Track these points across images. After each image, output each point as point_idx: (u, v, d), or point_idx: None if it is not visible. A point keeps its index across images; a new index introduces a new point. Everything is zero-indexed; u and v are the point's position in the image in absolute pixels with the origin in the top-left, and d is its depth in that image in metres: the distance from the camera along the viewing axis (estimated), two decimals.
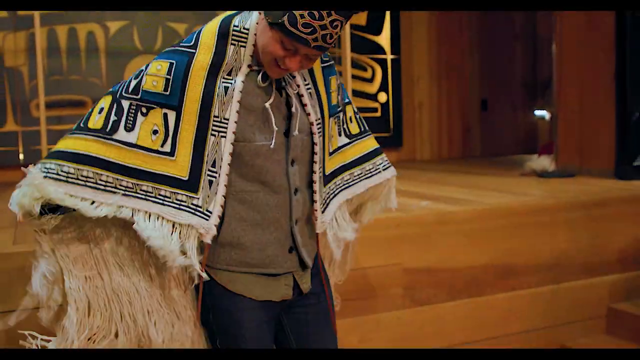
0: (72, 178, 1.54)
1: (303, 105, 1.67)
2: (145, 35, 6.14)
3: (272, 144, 1.59)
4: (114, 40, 6.04)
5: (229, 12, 1.64)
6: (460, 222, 3.25)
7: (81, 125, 1.61)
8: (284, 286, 1.72)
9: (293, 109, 1.64)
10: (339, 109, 1.83)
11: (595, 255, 3.57)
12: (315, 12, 1.43)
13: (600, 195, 3.79)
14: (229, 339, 1.73)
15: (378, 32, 6.99)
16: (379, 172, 1.97)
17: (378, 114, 7.01)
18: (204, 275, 1.63)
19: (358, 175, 1.91)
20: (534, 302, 3.37)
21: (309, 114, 1.67)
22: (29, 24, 5.73)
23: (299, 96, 1.67)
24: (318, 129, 1.69)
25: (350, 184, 1.89)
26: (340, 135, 1.86)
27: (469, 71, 7.49)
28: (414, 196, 3.83)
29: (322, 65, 1.77)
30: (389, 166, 2.01)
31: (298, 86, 1.67)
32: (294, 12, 1.43)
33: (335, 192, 1.83)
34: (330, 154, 1.81)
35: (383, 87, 7.05)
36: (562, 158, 5.16)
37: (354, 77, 6.72)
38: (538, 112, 7.86)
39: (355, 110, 1.96)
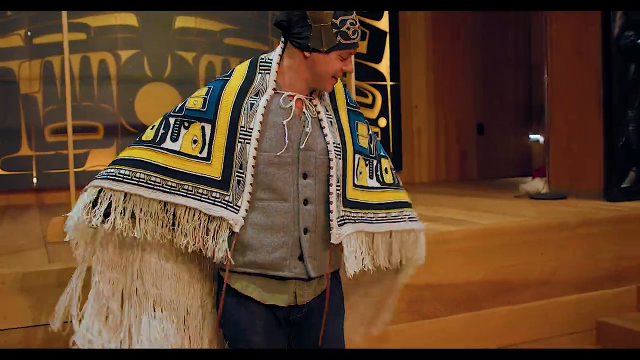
0: (127, 178, 1.87)
1: (322, 128, 1.93)
2: (155, 63, 6.38)
3: (281, 153, 1.86)
4: (125, 68, 6.27)
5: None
6: (457, 241, 3.46)
7: (137, 139, 1.96)
8: (292, 292, 1.93)
9: (307, 129, 1.90)
10: (371, 155, 2.06)
11: (584, 272, 3.79)
12: (352, 17, 1.83)
13: (589, 216, 4.01)
14: (239, 345, 1.95)
15: (379, 59, 7.25)
16: (404, 221, 2.13)
17: (378, 138, 7.22)
18: (231, 261, 1.87)
19: (382, 217, 2.07)
20: (527, 316, 3.57)
21: (326, 135, 1.93)
22: (44, 52, 5.98)
23: (319, 120, 1.94)
24: (337, 152, 1.93)
25: (373, 221, 2.05)
26: (371, 178, 2.07)
27: (466, 96, 7.73)
28: None
29: (348, 107, 2.04)
30: (417, 220, 2.18)
31: (318, 112, 1.94)
32: (340, 28, 1.81)
33: (356, 220, 2.00)
34: (356, 185, 2.01)
35: (383, 113, 7.28)
36: (553, 181, 5.38)
37: None
38: (533, 136, 8.11)
39: (392, 166, 2.17)
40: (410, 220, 2.15)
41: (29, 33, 5.96)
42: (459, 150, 7.76)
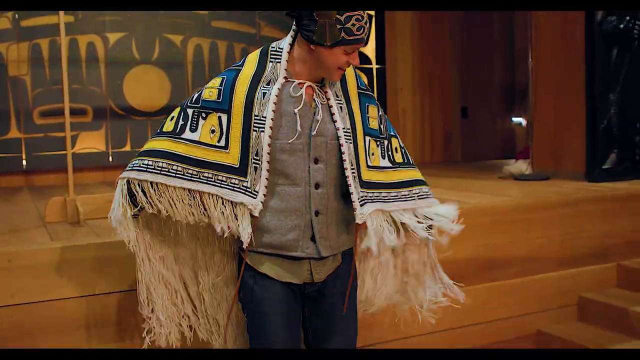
0: (150, 168, 1.98)
1: (332, 114, 2.00)
2: (143, 46, 6.40)
3: (292, 141, 1.95)
4: (113, 50, 6.29)
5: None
6: None
7: (158, 130, 2.07)
8: (306, 271, 2.04)
9: (318, 116, 1.97)
10: (381, 135, 2.14)
11: (567, 250, 3.92)
12: (359, 14, 1.85)
13: (572, 196, 4.14)
14: (255, 316, 2.06)
15: (365, 43, 7.30)
16: (413, 199, 2.19)
17: None
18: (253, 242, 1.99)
19: (394, 196, 2.14)
20: (512, 291, 3.71)
21: (335, 121, 1.99)
22: (32, 35, 5.99)
23: (329, 107, 2.01)
24: (347, 137, 2.00)
25: (387, 200, 2.12)
26: (383, 158, 2.15)
27: (450, 80, 7.83)
28: None
29: (359, 91, 2.10)
30: (428, 196, 2.24)
31: (328, 99, 2.01)
32: (344, 24, 1.84)
33: (373, 199, 2.07)
34: (369, 166, 2.08)
35: None
36: (537, 162, 5.50)
37: None
38: (515, 119, 8.24)
39: (402, 144, 2.24)
40: (419, 198, 2.21)
41: (16, 16, 5.95)
42: (444, 133, 7.86)
